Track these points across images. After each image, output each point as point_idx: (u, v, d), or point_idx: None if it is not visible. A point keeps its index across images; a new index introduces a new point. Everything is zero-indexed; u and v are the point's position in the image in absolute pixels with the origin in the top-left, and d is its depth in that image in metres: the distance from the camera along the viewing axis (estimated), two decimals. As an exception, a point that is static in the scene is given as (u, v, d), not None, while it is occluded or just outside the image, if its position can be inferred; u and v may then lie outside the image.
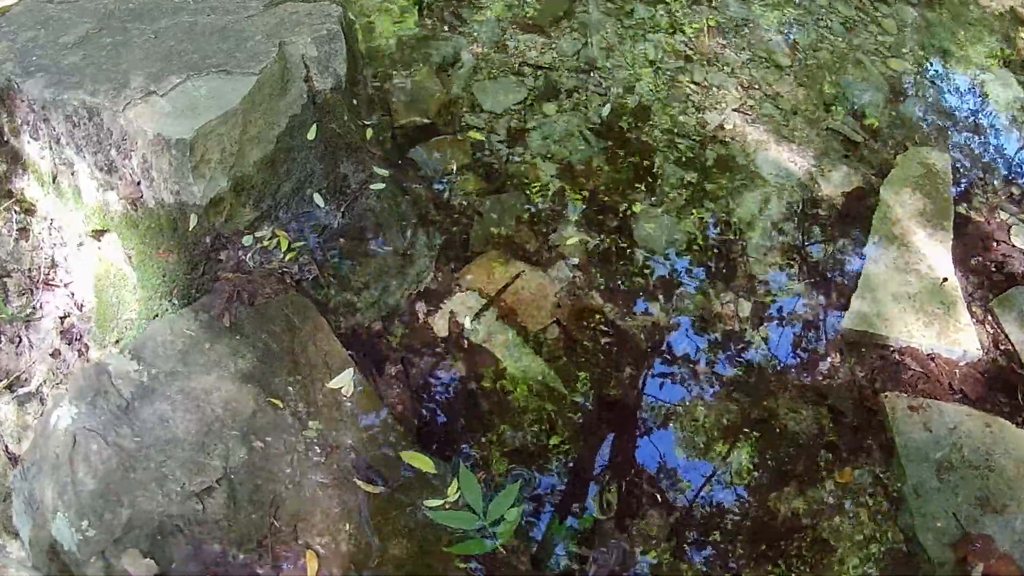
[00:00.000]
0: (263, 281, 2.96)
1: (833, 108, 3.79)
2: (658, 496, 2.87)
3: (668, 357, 3.13)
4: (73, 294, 3.67)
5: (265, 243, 3.08)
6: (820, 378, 3.14)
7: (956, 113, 4.00)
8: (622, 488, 2.86)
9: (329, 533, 2.60)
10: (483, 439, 2.88)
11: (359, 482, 2.69)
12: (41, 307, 3.71)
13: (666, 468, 2.93)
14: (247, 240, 3.08)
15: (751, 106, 3.72)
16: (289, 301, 2.93)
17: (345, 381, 2.83)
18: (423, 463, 2.75)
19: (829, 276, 3.37)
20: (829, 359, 3.18)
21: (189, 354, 2.77)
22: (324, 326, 2.92)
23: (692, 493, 2.88)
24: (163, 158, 3.08)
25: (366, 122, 3.37)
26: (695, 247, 3.37)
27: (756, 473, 2.93)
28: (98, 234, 3.47)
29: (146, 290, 3.20)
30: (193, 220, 3.09)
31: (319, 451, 2.71)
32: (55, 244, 3.71)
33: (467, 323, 3.04)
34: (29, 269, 3.79)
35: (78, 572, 2.47)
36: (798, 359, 3.19)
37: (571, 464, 2.86)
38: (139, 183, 3.25)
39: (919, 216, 3.55)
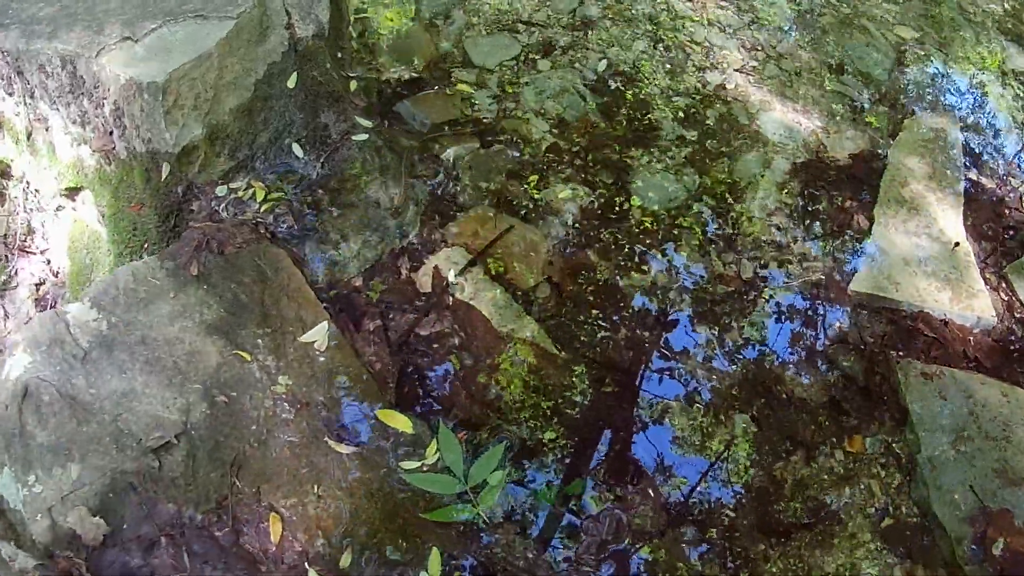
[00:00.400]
0: (235, 230, 2.77)
1: (838, 71, 3.61)
2: (656, 461, 2.65)
3: (667, 318, 2.92)
4: (49, 261, 3.49)
5: (240, 194, 2.88)
6: (828, 342, 2.93)
7: (965, 80, 3.80)
8: (615, 453, 2.65)
9: (296, 495, 2.39)
10: (467, 399, 2.67)
11: (330, 442, 2.48)
12: (16, 275, 3.52)
13: (664, 435, 2.72)
14: (221, 190, 2.89)
15: (754, 67, 3.54)
16: (262, 251, 2.73)
17: (319, 335, 2.63)
18: (400, 423, 2.54)
19: (836, 238, 3.17)
20: (837, 323, 2.97)
21: (152, 303, 2.57)
22: (298, 278, 2.72)
23: (690, 463, 2.67)
24: (135, 104, 2.88)
25: (350, 74, 3.18)
26: (695, 205, 3.17)
27: (760, 441, 2.71)
28: (72, 192, 3.28)
29: (117, 245, 3.01)
30: (165, 170, 2.90)
31: (288, 408, 2.50)
32: (32, 209, 3.52)
33: (451, 277, 2.84)
34: (5, 235, 3.61)
35: (22, 531, 2.26)
36: (804, 322, 2.98)
37: (562, 427, 2.65)
38: (111, 133, 3.06)
39: (928, 180, 3.35)
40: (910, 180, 3.34)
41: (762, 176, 3.27)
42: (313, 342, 2.62)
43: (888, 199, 3.28)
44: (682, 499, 2.60)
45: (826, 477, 2.67)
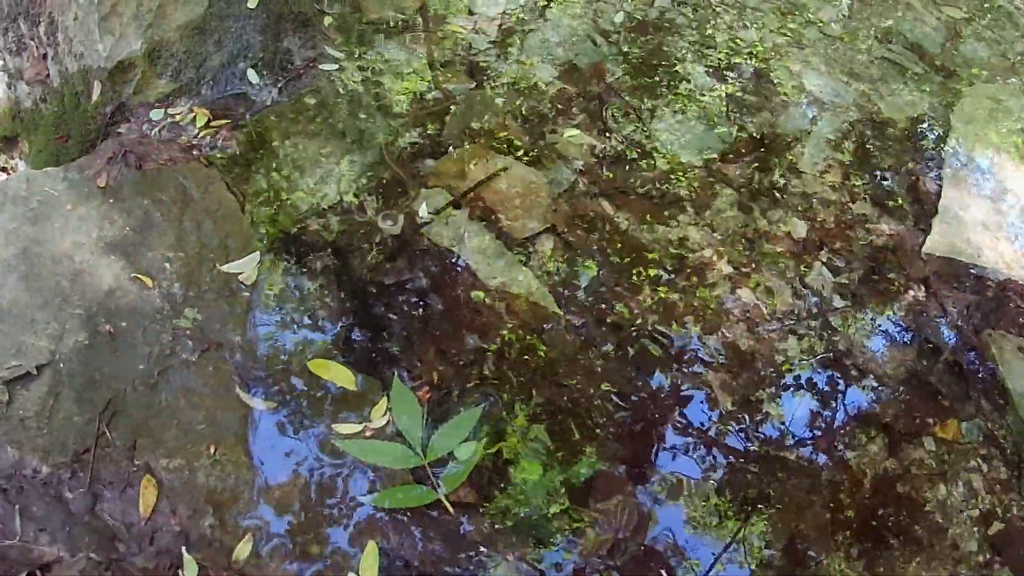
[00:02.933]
0: (162, 147, 2.17)
1: (886, 40, 3.02)
2: (689, 435, 1.89)
3: (701, 275, 2.21)
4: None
5: (178, 118, 2.31)
6: (903, 312, 2.19)
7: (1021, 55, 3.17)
8: (637, 430, 1.89)
9: (183, 455, 1.66)
10: (435, 356, 1.96)
11: (242, 393, 1.77)
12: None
13: (699, 412, 1.95)
14: (156, 114, 2.31)
15: (793, 29, 2.97)
16: (189, 171, 2.12)
17: (247, 267, 1.96)
18: (339, 376, 1.83)
19: (901, 199, 2.47)
20: (912, 291, 2.23)
21: (44, 215, 1.94)
22: (231, 204, 2.08)
23: (734, 442, 1.89)
24: (69, 12, 2.38)
25: (326, 10, 2.66)
26: (732, 156, 2.51)
27: (824, 423, 1.93)
28: (6, 144, 2.75)
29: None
30: (96, 90, 2.34)
31: (192, 347, 1.81)
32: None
33: (423, 212, 2.18)
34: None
35: None
36: (871, 288, 2.24)
37: (564, 394, 1.91)
38: (45, 56, 2.55)
39: (995, 147, 2.67)
40: (976, 146, 2.66)
41: (809, 132, 2.62)
42: (238, 274, 1.95)
43: (956, 162, 2.59)
44: (721, 465, 1.82)
45: (915, 470, 1.87)
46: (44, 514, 1.54)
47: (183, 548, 1.55)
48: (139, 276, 1.87)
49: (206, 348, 1.81)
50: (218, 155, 2.21)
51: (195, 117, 2.31)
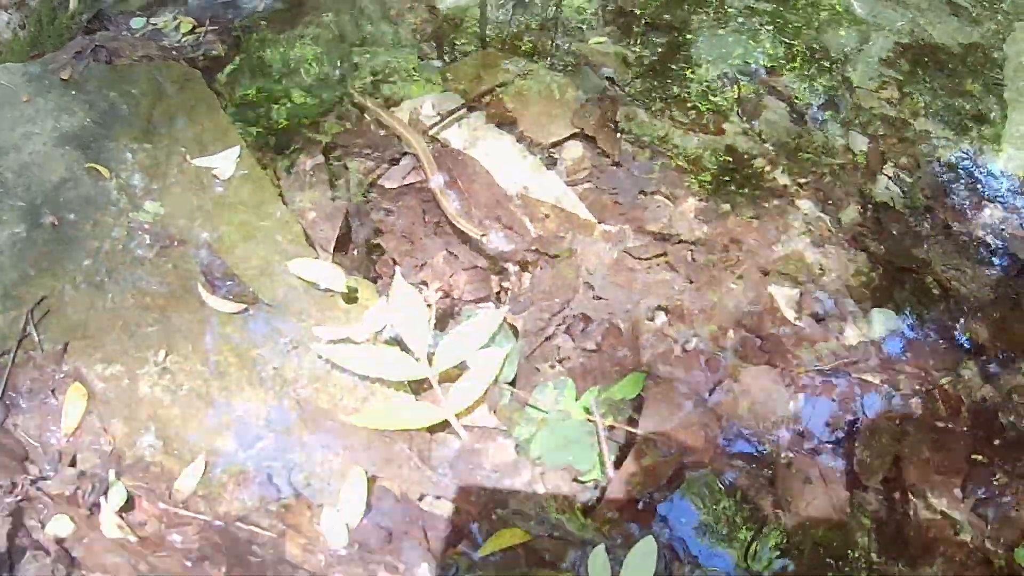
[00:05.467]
0: (138, 45, 1.80)
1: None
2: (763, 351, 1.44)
3: (753, 184, 1.77)
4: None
5: (161, 26, 1.95)
6: (983, 231, 1.73)
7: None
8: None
9: (125, 362, 1.26)
10: (445, 264, 1.54)
11: (204, 292, 1.36)
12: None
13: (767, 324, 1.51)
14: (137, 22, 1.95)
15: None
16: (165, 67, 1.74)
17: (224, 162, 1.57)
18: (325, 276, 1.41)
19: (967, 118, 2.03)
20: (989, 209, 1.77)
21: (-7, 107, 1.58)
22: (211, 102, 1.69)
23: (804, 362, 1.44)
24: (48, -79, 2.06)
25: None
26: (777, 72, 2.09)
27: (912, 347, 1.47)
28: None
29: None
30: (74, 0, 2.01)
31: (149, 242, 1.41)
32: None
33: (428, 111, 1.77)
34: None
35: None
36: (945, 203, 1.79)
37: (598, 304, 1.48)
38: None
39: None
40: None
41: (860, 51, 2.19)
42: (212, 168, 1.56)
43: (1019, 88, 2.14)
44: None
45: (1018, 399, 1.40)
46: (-60, 425, 1.15)
47: (112, 472, 1.14)
48: (94, 166, 1.49)
49: (167, 244, 1.41)
50: (200, 57, 1.84)
51: (179, 24, 1.95)
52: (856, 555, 1.27)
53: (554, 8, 2.15)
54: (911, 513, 1.33)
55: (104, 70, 1.69)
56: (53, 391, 1.20)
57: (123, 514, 1.13)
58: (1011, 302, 1.63)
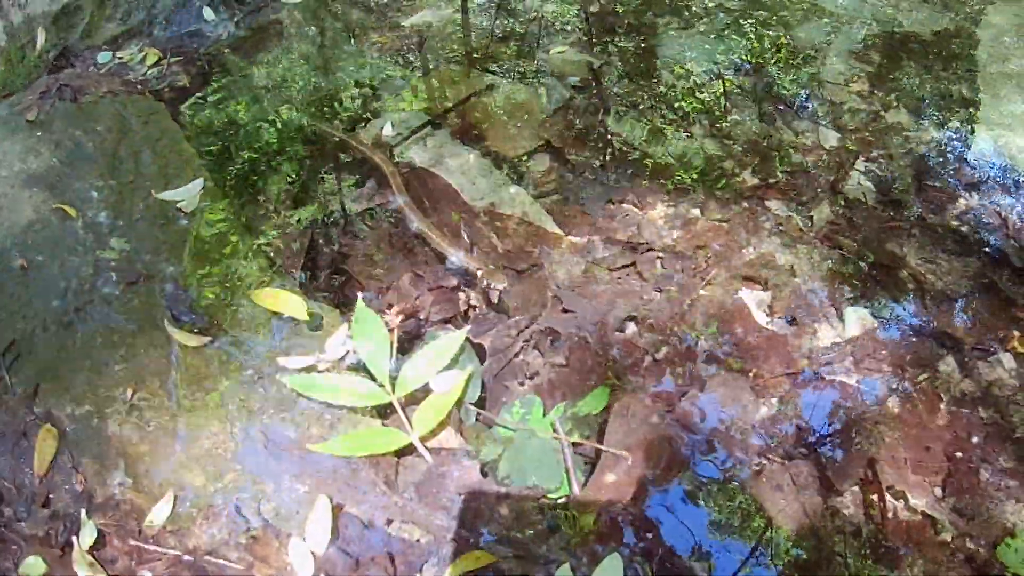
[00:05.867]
0: (102, 80, 1.82)
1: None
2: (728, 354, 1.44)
3: (722, 187, 1.77)
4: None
5: (126, 59, 1.96)
6: (957, 220, 1.71)
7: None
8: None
9: (93, 402, 1.27)
10: (411, 284, 1.55)
11: (170, 327, 1.38)
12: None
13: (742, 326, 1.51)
14: (103, 56, 1.97)
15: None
16: (130, 102, 1.76)
17: (187, 195, 1.59)
18: (288, 305, 1.43)
19: (939, 108, 2.01)
20: (963, 198, 1.75)
21: (-41, 153, 1.60)
22: (175, 134, 1.71)
23: (771, 368, 1.44)
24: (14, -39, 2.09)
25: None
26: (745, 70, 2.08)
27: (888, 347, 1.46)
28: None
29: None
30: (41, 38, 2.02)
31: (116, 279, 1.43)
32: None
33: (388, 131, 1.78)
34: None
35: None
36: (918, 194, 1.77)
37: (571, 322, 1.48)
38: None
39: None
40: (1011, 56, 2.18)
41: (829, 45, 2.17)
42: (177, 202, 1.58)
43: (992, 73, 2.12)
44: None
45: (998, 392, 1.39)
46: (-89, 473, 1.17)
47: (83, 512, 1.16)
48: (62, 206, 1.51)
49: (133, 280, 1.43)
50: (166, 89, 1.86)
51: (144, 56, 1.97)
52: (832, 561, 1.27)
53: (518, 22, 2.16)
54: (889, 515, 1.33)
55: (70, 108, 1.71)
56: (25, 433, 1.22)
57: (94, 552, 1.14)
58: (988, 293, 1.62)
